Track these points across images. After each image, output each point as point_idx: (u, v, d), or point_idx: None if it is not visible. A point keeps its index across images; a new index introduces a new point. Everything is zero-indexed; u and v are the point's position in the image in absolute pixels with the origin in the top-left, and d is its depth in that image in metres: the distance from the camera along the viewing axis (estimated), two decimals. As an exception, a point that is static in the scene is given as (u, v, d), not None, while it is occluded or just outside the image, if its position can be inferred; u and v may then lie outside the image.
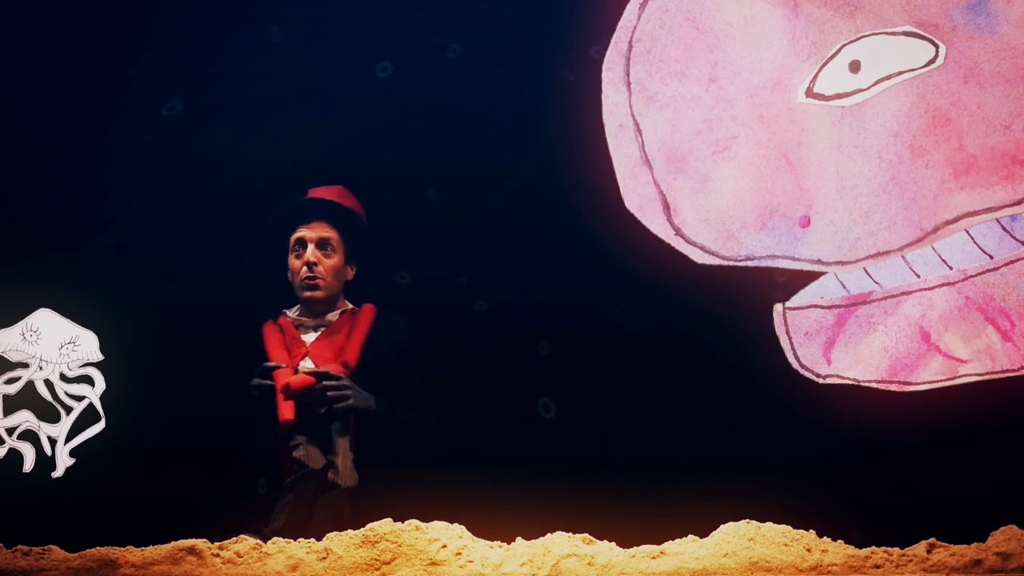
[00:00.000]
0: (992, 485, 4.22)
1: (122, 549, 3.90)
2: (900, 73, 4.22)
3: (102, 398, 4.15)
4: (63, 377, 4.09)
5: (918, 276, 4.26)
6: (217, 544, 3.88)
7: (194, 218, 4.67)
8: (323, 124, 4.74)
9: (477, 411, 4.57)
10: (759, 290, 4.37)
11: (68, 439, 4.04)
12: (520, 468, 4.40)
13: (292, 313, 4.56)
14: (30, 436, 4.04)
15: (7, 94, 4.70)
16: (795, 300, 4.33)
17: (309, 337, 4.50)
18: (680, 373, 4.51)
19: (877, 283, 4.29)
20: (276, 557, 3.84)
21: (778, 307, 4.31)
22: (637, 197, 4.35)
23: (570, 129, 4.51)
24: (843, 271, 4.28)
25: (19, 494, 4.19)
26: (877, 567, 3.78)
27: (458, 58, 4.70)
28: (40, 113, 4.73)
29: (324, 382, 4.32)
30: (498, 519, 4.00)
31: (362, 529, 3.89)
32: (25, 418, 4.05)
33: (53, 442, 4.04)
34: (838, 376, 4.31)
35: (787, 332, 4.32)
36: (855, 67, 4.22)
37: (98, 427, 4.08)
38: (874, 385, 4.29)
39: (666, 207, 4.32)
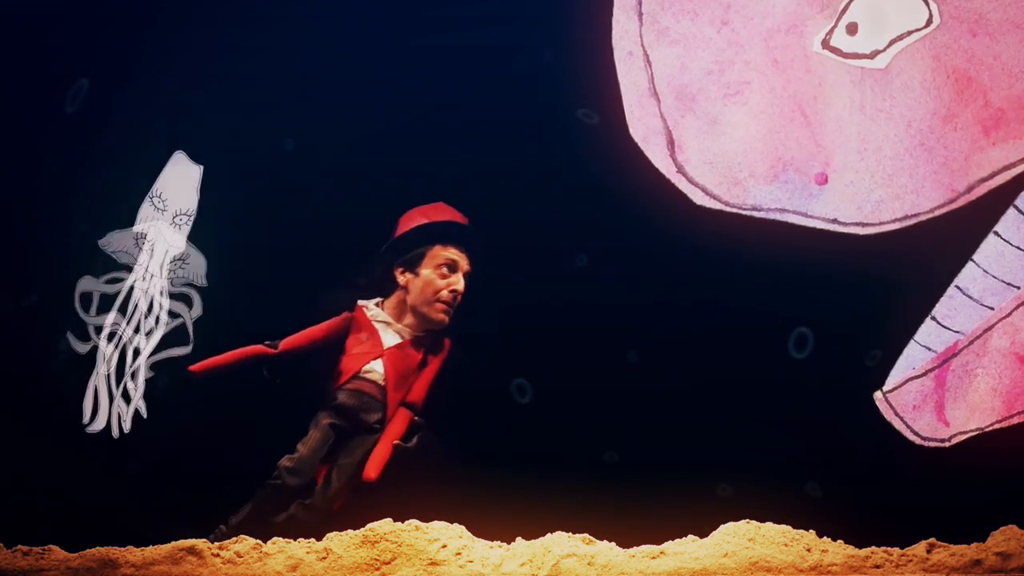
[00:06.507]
0: (992, 485, 4.22)
1: (122, 549, 3.90)
2: (909, 33, 4.15)
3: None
4: (163, 292, 3.98)
5: (991, 308, 4.22)
6: (217, 544, 3.89)
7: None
8: (324, 124, 4.74)
9: (477, 411, 4.57)
10: (761, 291, 4.36)
11: (152, 353, 3.92)
12: (520, 468, 4.40)
13: (373, 305, 4.58)
14: (102, 384, 3.90)
15: (7, 94, 4.70)
16: (889, 382, 4.26)
17: (388, 338, 4.53)
18: (680, 373, 4.50)
19: (957, 332, 4.22)
20: (276, 557, 3.84)
21: (877, 395, 4.25)
22: (642, 128, 4.26)
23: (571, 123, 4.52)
24: (923, 331, 4.23)
25: (19, 494, 4.19)
26: (877, 567, 3.78)
27: (459, 58, 4.71)
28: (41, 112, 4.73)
29: None
30: (498, 519, 4.00)
31: (362, 529, 3.89)
32: (115, 320, 3.93)
33: (137, 353, 3.92)
34: (961, 433, 4.25)
35: (896, 415, 4.25)
36: (864, 26, 4.15)
37: (184, 349, 3.98)
38: (998, 426, 4.23)
39: (671, 143, 4.23)
